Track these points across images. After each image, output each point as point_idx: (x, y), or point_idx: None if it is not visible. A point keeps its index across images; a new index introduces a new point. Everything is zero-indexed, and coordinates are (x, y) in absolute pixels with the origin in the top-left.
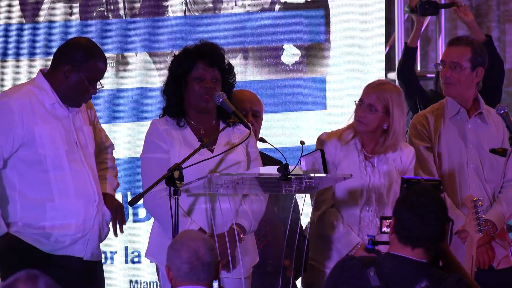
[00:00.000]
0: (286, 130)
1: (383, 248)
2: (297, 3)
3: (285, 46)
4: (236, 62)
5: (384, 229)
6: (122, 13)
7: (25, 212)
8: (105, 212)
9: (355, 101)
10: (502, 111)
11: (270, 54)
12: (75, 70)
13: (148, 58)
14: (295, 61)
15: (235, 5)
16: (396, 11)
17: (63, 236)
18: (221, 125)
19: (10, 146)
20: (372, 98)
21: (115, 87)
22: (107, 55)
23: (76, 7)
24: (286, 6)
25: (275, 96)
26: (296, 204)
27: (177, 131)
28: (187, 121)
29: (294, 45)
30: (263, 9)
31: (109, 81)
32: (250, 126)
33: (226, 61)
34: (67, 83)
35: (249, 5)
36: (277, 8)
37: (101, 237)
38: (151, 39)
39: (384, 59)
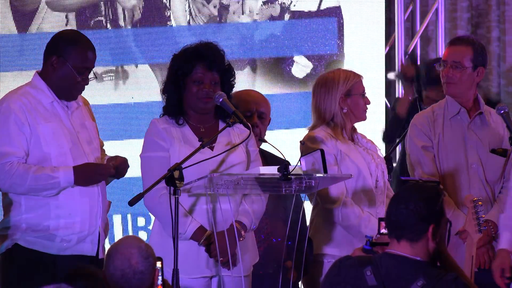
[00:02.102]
0: (298, 147)
1: (381, 250)
2: (309, 12)
3: (295, 58)
4: (244, 75)
5: (383, 230)
6: (121, 23)
7: (29, 213)
8: (105, 203)
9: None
10: (502, 111)
11: (279, 66)
12: (62, 60)
13: (149, 70)
14: (306, 74)
15: (242, 13)
16: (396, 11)
17: (68, 235)
18: (221, 124)
19: (26, 140)
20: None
21: (114, 101)
22: (105, 68)
23: (72, 16)
24: (296, 15)
25: (285, 111)
26: (297, 205)
27: (176, 129)
28: (186, 120)
29: (305, 56)
30: (272, 18)
31: (108, 94)
32: (250, 126)
33: (226, 62)
34: (56, 75)
35: (257, 13)
36: (287, 16)
37: (107, 232)
38: (152, 50)
39: (384, 59)
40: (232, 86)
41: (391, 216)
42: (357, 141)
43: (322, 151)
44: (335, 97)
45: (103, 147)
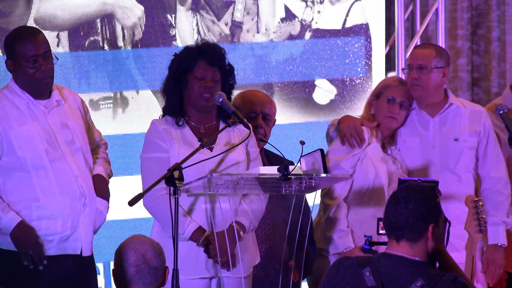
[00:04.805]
0: None
1: (380, 250)
2: (333, 30)
3: (317, 82)
4: None
5: (381, 230)
6: (120, 43)
7: None
8: (99, 202)
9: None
10: (501, 111)
11: (299, 91)
12: (14, 62)
13: (152, 96)
14: (330, 100)
15: (258, 32)
16: (396, 11)
17: (50, 235)
18: (221, 125)
19: None
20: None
21: (112, 132)
22: (102, 94)
23: (64, 35)
24: (319, 34)
25: (307, 142)
26: (299, 205)
27: (176, 130)
28: (186, 121)
29: (329, 80)
30: (291, 37)
31: (105, 125)
32: (250, 126)
33: (226, 62)
34: (19, 77)
35: (274, 32)
36: (308, 35)
37: (95, 230)
38: (155, 73)
39: (384, 59)
40: (232, 87)
41: (390, 216)
42: (387, 149)
43: (322, 151)
44: (371, 96)
45: (102, 143)
